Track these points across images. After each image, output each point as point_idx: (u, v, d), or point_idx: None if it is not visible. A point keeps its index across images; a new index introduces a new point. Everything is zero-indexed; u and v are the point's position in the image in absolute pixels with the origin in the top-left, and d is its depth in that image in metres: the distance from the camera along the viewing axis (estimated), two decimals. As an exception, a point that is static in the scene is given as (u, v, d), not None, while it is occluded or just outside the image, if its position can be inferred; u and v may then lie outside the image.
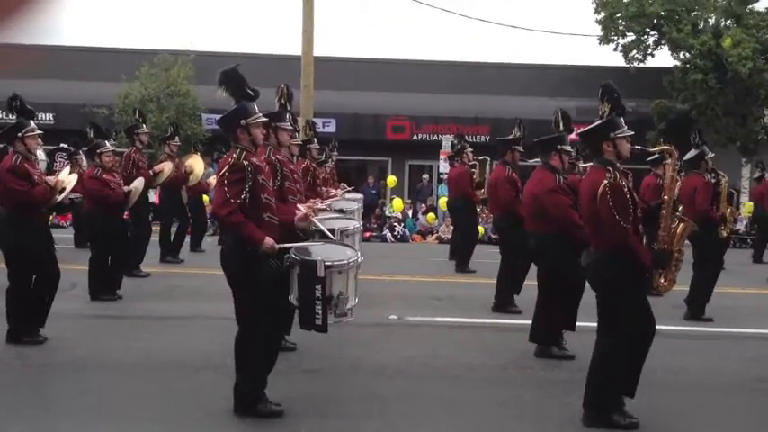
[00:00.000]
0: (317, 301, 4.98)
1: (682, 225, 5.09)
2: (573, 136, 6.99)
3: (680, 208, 7.87)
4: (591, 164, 8.23)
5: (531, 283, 8.45)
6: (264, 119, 5.17)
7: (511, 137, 9.25)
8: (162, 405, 5.21)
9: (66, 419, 4.86)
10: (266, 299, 4.93)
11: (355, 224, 7.21)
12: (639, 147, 4.87)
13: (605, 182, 4.66)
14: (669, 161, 5.04)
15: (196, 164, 12.87)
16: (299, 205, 5.99)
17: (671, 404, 5.42)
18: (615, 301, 4.79)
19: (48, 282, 6.84)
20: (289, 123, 6.82)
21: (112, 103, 20.26)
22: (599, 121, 4.94)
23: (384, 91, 22.20)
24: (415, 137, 22.53)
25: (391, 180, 21.94)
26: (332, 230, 6.41)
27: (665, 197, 5.08)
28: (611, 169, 4.76)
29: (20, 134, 6.63)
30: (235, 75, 4.96)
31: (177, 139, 12.48)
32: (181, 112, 20.67)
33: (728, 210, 8.90)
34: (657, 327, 4.94)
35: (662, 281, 5.00)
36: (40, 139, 7.05)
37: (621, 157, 4.92)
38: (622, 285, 4.74)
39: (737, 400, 5.80)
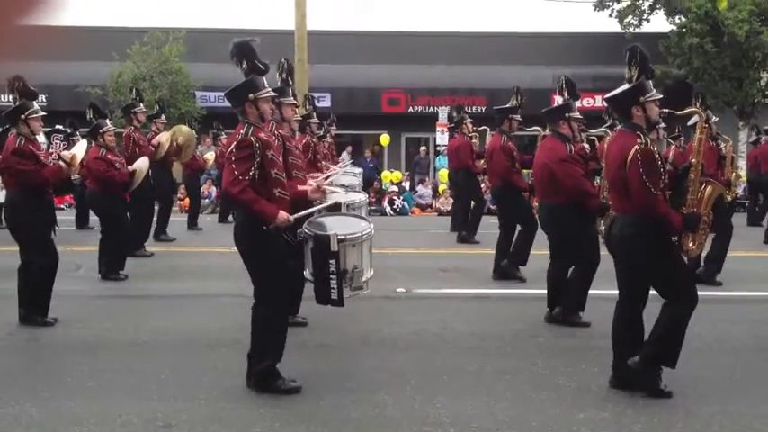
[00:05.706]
0: (331, 276, 4.96)
1: (710, 188, 5.03)
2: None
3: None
4: (600, 129, 8.27)
5: (536, 252, 8.48)
6: (273, 94, 5.11)
7: (508, 105, 9.25)
8: (177, 383, 5.19)
9: (82, 399, 4.84)
10: (282, 274, 4.89)
11: (361, 197, 7.21)
12: (667, 110, 4.79)
13: (636, 147, 4.53)
14: (697, 123, 4.95)
15: (180, 131, 12.73)
16: (308, 177, 5.97)
17: (685, 369, 5.42)
18: (645, 268, 4.73)
19: (52, 263, 6.81)
20: (292, 98, 6.78)
21: (105, 83, 20.08)
22: (627, 85, 4.82)
23: (379, 63, 22.04)
24: (410, 109, 22.42)
25: (384, 139, 21.76)
26: (338, 204, 6.42)
27: (693, 160, 4.99)
28: (640, 134, 4.63)
29: (23, 116, 6.55)
30: (247, 47, 4.90)
31: (163, 117, 12.34)
32: (174, 90, 20.53)
33: (733, 174, 8.88)
34: None
35: (691, 244, 4.96)
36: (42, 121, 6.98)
37: (650, 122, 4.81)
38: (650, 252, 4.66)
39: (751, 363, 5.82)
